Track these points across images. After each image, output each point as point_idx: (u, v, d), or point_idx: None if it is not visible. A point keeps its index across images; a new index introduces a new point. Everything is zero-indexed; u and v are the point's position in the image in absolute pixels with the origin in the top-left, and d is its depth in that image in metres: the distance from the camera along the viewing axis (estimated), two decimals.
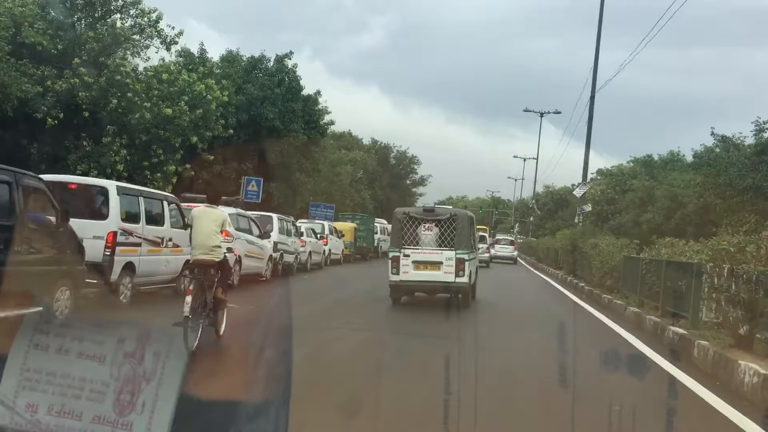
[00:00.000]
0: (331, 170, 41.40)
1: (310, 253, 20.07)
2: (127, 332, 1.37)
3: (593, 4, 31.37)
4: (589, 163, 25.45)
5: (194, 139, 21.80)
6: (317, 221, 24.75)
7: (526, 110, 48.23)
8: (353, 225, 28.56)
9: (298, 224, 20.13)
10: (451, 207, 13.57)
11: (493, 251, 34.00)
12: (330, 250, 23.28)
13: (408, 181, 62.94)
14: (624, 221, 45.14)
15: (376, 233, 31.96)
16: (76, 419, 1.32)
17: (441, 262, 11.41)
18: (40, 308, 5.08)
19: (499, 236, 42.85)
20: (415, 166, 62.66)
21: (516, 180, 73.74)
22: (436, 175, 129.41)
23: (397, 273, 11.47)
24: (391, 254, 11.85)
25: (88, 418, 1.32)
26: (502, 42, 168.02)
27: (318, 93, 32.19)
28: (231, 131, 24.53)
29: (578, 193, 26.30)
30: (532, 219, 53.17)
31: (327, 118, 33.35)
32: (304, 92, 31.20)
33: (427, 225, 11.64)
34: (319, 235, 22.05)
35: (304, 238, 19.56)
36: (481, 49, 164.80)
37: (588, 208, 26.74)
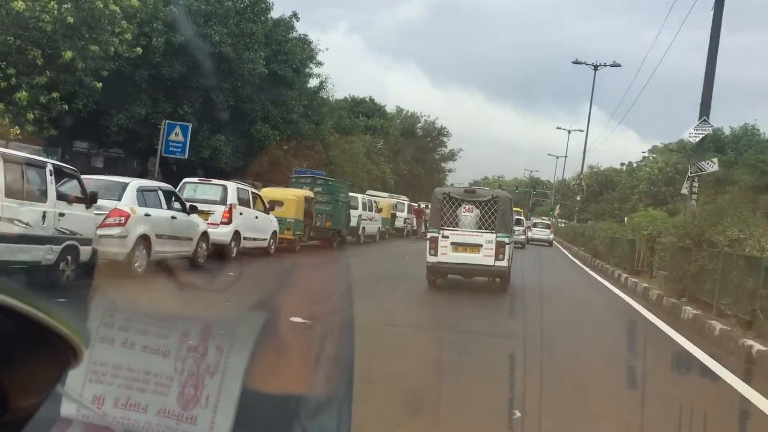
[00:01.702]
0: (342, 138, 40.46)
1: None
2: (190, 326, 1.55)
3: None
4: (713, 84, 17.36)
5: (68, 54, 16.44)
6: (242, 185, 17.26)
7: (575, 62, 48.23)
8: (303, 194, 20.11)
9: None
10: (488, 188, 14.78)
11: (529, 234, 39.28)
12: (237, 233, 15.33)
13: (436, 155, 62.91)
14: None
15: (357, 209, 25.51)
16: (142, 412, 1.51)
17: (481, 245, 12.27)
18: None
19: (535, 220, 47.65)
20: (445, 139, 62.60)
21: (557, 158, 72.94)
22: (474, 155, 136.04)
23: (435, 254, 12.32)
24: (429, 235, 12.82)
25: (153, 411, 1.50)
26: (546, 24, 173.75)
27: (294, 17, 29.31)
28: (139, 50, 19.77)
29: (694, 136, 17.70)
30: (579, 198, 52.46)
31: (316, 70, 31.98)
32: (273, 15, 28.27)
33: (467, 206, 12.51)
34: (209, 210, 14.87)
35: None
36: (524, 31, 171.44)
37: (714, 165, 18.15)
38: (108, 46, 17.95)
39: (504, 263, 12.43)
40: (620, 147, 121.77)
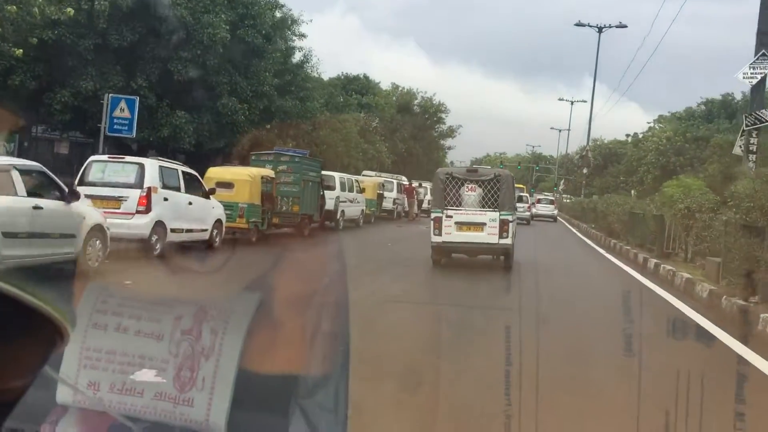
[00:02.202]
0: (334, 116, 40.03)
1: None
2: (184, 309, 1.61)
3: None
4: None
5: None
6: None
7: (578, 24, 48.60)
8: (259, 173, 17.36)
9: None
10: (490, 167, 15.68)
11: (534, 210, 41.17)
12: (160, 224, 12.62)
13: (435, 133, 62.91)
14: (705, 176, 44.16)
15: (334, 189, 22.99)
16: (138, 396, 1.56)
17: (484, 223, 12.94)
18: None
19: (539, 196, 50.43)
20: (443, 115, 62.52)
21: (560, 131, 73.02)
22: (475, 132, 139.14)
23: (440, 234, 13.00)
24: (433, 215, 13.37)
25: (150, 394, 1.56)
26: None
27: None
28: (70, 11, 18.00)
29: (751, 75, 15.26)
30: (586, 171, 52.11)
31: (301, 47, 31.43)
32: None
33: (470, 185, 13.16)
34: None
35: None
36: (523, 3, 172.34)
37: None
38: (30, 7, 16.19)
39: (508, 241, 13.00)
40: (623, 120, 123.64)
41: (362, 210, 26.23)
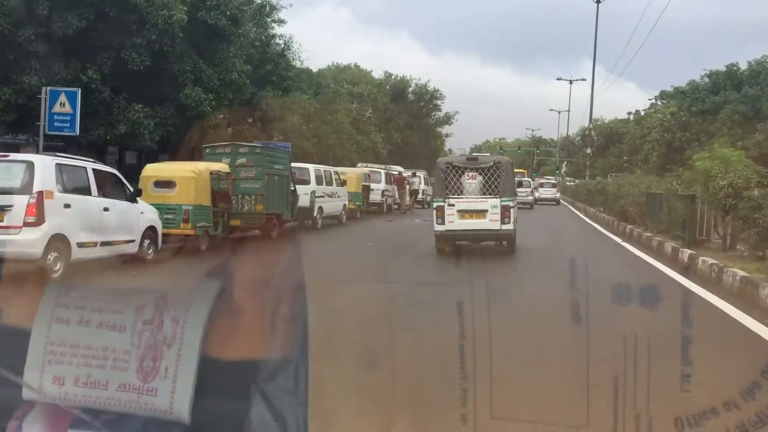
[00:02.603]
0: (324, 107, 39.88)
1: None
2: (144, 300, 1.70)
3: None
4: None
5: None
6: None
7: None
8: (208, 168, 15.10)
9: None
10: (489, 154, 17.65)
11: (537, 194, 43.19)
12: (60, 238, 10.37)
13: (431, 120, 63.04)
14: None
15: (309, 183, 20.73)
16: (102, 388, 1.65)
17: (486, 210, 13.58)
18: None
19: (541, 181, 52.37)
20: (439, 102, 62.66)
21: (560, 112, 73.03)
22: (473, 120, 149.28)
23: (443, 223, 13.62)
24: (435, 204, 14.02)
25: (114, 386, 1.65)
26: None
27: None
28: None
29: None
30: (589, 151, 51.57)
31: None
32: None
33: (470, 174, 13.77)
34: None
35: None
36: None
37: None
38: None
39: (510, 226, 13.64)
40: (621, 100, 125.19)
41: (344, 205, 23.89)
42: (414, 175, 36.75)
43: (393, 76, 60.63)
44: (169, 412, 1.62)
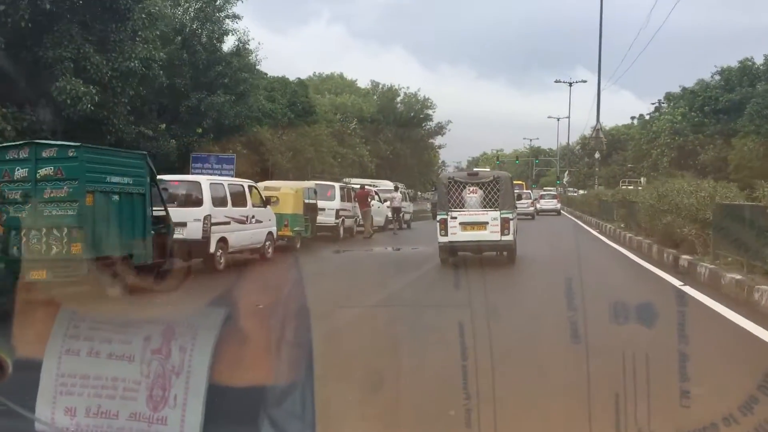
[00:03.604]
0: (300, 119, 39.24)
1: None
2: (152, 330, 1.88)
3: None
4: None
5: None
6: None
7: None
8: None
9: None
10: (489, 170, 18.78)
11: (538, 205, 47.22)
12: None
13: (422, 131, 63.31)
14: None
15: (201, 205, 15.62)
16: (113, 418, 1.83)
17: (487, 222, 15.39)
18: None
19: (542, 192, 58.05)
20: (430, 112, 62.99)
21: (558, 119, 73.90)
22: (470, 132, 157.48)
23: (446, 234, 15.42)
24: (439, 217, 15.85)
25: (125, 416, 1.83)
26: None
27: None
28: None
29: None
30: (598, 156, 50.18)
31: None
32: None
33: (471, 188, 15.63)
34: None
35: None
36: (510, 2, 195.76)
37: None
38: None
39: (510, 237, 15.48)
40: (617, 109, 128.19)
41: (271, 233, 18.17)
42: (396, 189, 33.41)
43: (380, 86, 60.97)
44: None
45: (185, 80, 27.58)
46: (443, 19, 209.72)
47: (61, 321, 1.90)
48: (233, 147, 30.89)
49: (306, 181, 25.31)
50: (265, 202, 18.25)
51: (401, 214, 31.32)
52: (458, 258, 15.91)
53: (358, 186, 28.44)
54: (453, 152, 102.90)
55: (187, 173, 23.24)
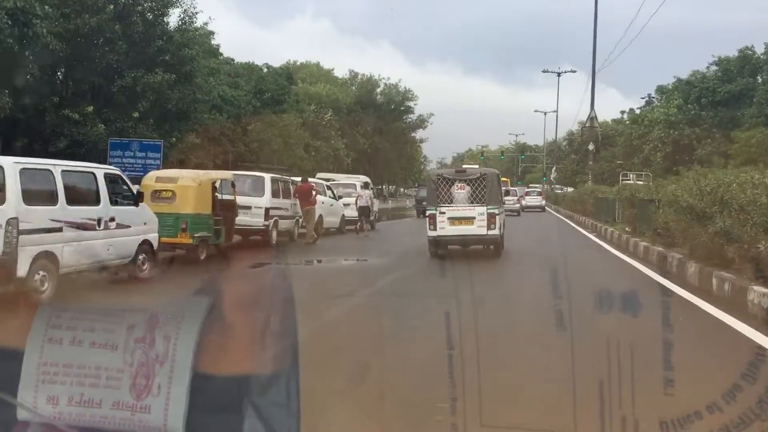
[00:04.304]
0: (267, 107, 38.94)
1: None
2: (136, 318, 1.99)
3: None
4: None
5: None
6: None
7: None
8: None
9: None
10: (477, 167, 19.61)
11: (523, 202, 50.24)
12: None
13: (403, 124, 63.37)
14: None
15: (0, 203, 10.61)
16: (96, 407, 1.93)
17: (474, 217, 16.75)
18: None
19: (527, 189, 61.04)
20: (411, 104, 63.11)
21: (545, 113, 74.77)
22: (456, 129, 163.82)
23: (435, 229, 16.81)
24: (428, 212, 17.31)
25: (108, 404, 1.93)
26: None
27: None
28: None
29: None
30: (592, 147, 46.95)
31: None
32: None
33: (459, 184, 16.97)
34: None
35: None
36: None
37: None
38: None
39: (496, 231, 16.87)
40: (603, 106, 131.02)
41: (147, 242, 13.56)
42: (366, 186, 30.93)
43: (359, 76, 60.95)
44: (163, 429, 1.90)
45: (119, 56, 25.64)
46: (430, 15, 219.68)
47: (43, 312, 2.00)
48: (182, 136, 29.40)
49: (221, 171, 21.26)
50: (137, 198, 13.58)
51: (371, 215, 27.95)
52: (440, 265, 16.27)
53: (300, 180, 23.67)
54: (437, 148, 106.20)
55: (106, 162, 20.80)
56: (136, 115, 26.54)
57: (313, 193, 22.98)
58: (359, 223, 26.31)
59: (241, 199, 18.72)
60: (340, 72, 60.50)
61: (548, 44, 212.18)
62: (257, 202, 20.02)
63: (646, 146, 53.84)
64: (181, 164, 28.14)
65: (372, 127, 57.54)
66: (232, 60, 43.52)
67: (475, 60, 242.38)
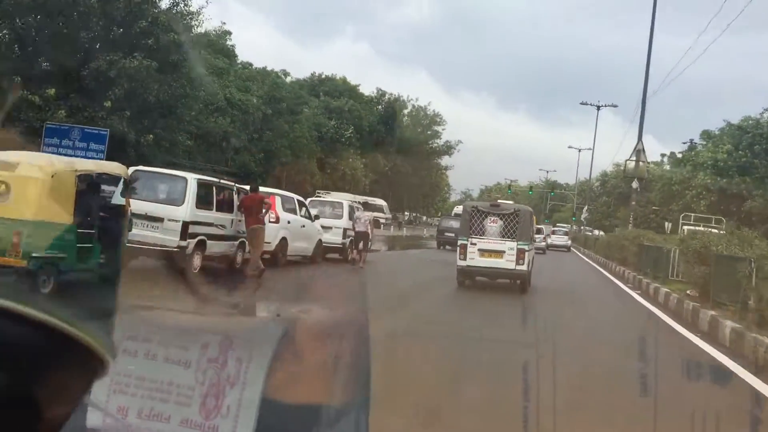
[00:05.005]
0: (280, 116, 38.45)
1: None
2: (210, 338, 2.13)
3: None
4: None
5: None
6: None
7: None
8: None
9: None
10: (511, 202, 21.31)
11: (549, 240, 54.63)
12: None
13: (428, 149, 63.38)
14: None
15: None
16: (165, 422, 2.06)
17: (504, 251, 18.12)
18: None
19: (554, 228, 66.07)
20: (439, 129, 63.30)
21: (579, 150, 75.52)
22: (486, 161, 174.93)
23: (465, 259, 18.32)
24: (459, 242, 18.71)
25: (176, 421, 2.07)
26: (559, 28, 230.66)
27: None
28: None
29: None
30: (636, 185, 42.53)
31: None
32: None
33: (492, 218, 18.47)
34: None
35: None
36: (535, 37, 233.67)
37: None
38: None
39: (524, 267, 18.17)
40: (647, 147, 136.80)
41: None
42: (367, 205, 28.69)
43: (387, 95, 60.94)
44: None
45: (94, 35, 24.06)
46: (467, 46, 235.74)
47: (122, 322, 2.14)
48: (166, 134, 27.19)
49: (110, 163, 14.51)
50: None
51: (368, 242, 24.51)
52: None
53: (246, 189, 18.54)
54: (464, 179, 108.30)
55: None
56: (108, 104, 24.86)
57: (265, 207, 18.17)
58: (353, 251, 23.58)
59: (149, 207, 15.24)
60: (368, 89, 60.73)
61: (585, 83, 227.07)
62: (173, 212, 15.71)
63: (688, 192, 52.82)
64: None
65: (395, 148, 57.59)
66: (250, 65, 43.57)
67: (510, 93, 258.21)
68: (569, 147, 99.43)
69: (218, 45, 36.97)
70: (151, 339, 2.11)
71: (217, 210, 17.04)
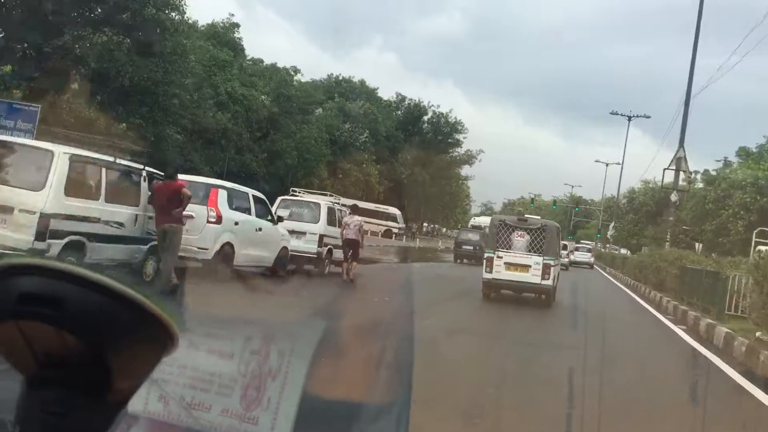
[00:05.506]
0: (287, 115, 38.23)
1: None
2: (254, 331, 2.24)
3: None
4: None
5: None
6: None
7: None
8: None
9: None
10: (539, 218, 22.41)
11: (572, 257, 56.45)
12: None
13: (447, 157, 63.24)
14: None
15: None
16: (205, 411, 2.17)
17: (530, 266, 19.04)
18: None
19: (577, 245, 67.68)
20: (460, 137, 63.18)
21: (607, 165, 76.41)
22: (512, 174, 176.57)
23: (491, 272, 19.37)
24: (486, 255, 19.83)
25: (217, 410, 2.17)
26: (585, 45, 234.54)
27: None
28: None
29: None
30: (675, 198, 37.38)
31: None
32: None
33: (519, 232, 19.50)
34: None
35: None
36: (563, 53, 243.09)
37: None
38: None
39: (549, 282, 19.11)
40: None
41: None
42: (356, 209, 23.24)
43: (407, 100, 60.79)
44: None
45: (61, 8, 22.30)
46: (495, 60, 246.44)
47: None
48: (158, 128, 26.14)
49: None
50: None
51: (359, 252, 21.83)
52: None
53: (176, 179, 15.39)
54: (485, 191, 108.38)
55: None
56: (74, 86, 23.50)
57: (184, 199, 14.55)
58: (344, 262, 21.29)
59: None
60: (386, 93, 60.79)
61: (614, 99, 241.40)
62: (27, 201, 12.10)
63: (723, 212, 52.33)
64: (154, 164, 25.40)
65: (413, 156, 57.56)
66: (261, 61, 43.50)
67: (536, 107, 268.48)
68: (596, 161, 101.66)
69: (225, 37, 36.80)
70: (194, 330, 2.22)
71: (107, 201, 13.46)
